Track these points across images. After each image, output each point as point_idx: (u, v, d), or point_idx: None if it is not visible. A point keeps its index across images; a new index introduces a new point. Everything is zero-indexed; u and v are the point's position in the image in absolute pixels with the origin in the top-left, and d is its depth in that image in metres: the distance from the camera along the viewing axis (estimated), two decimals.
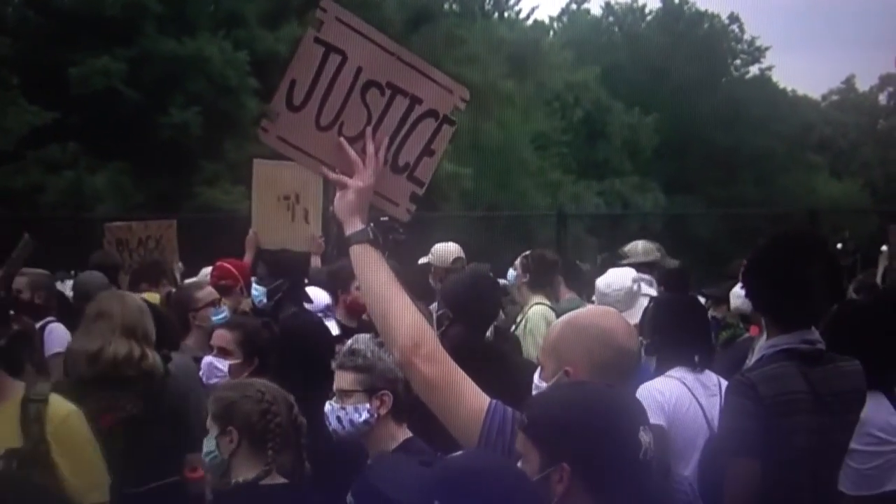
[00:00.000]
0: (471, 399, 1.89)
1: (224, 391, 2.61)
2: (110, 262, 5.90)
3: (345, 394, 2.71)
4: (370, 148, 1.98)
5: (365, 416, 2.67)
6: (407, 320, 1.90)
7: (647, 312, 3.36)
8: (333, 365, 2.79)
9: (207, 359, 3.45)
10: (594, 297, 4.12)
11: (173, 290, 5.06)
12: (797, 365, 2.49)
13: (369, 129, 1.99)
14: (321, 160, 2.01)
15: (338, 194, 2.00)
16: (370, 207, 2.03)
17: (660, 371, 3.23)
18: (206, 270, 5.80)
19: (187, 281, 5.79)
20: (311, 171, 2.06)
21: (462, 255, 5.00)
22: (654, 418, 2.98)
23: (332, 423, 2.70)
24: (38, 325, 4.88)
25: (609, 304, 3.65)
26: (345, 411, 2.68)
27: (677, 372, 3.15)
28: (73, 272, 9.19)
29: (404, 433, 2.72)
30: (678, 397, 3.06)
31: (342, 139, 1.99)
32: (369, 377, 2.70)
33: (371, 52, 1.98)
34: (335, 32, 1.96)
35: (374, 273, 1.95)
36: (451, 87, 2.03)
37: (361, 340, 2.81)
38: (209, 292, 4.26)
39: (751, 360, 2.66)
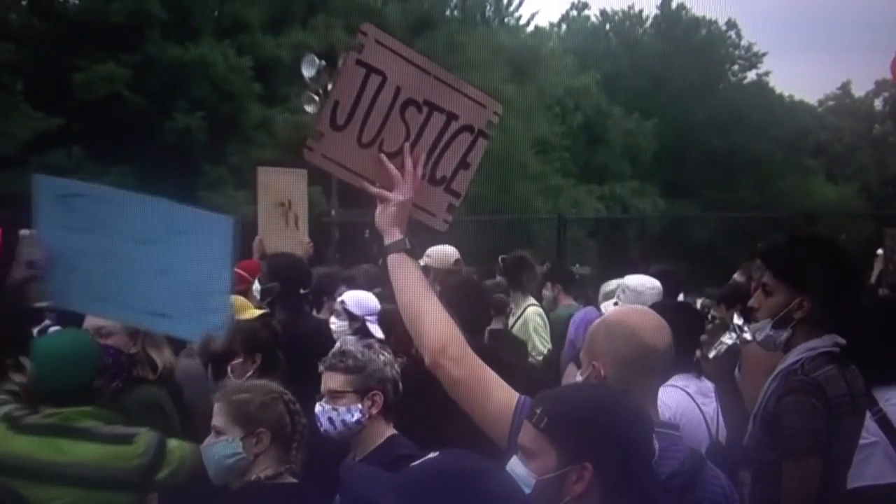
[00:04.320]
0: (499, 396, 1.97)
1: (240, 394, 2.57)
2: None
3: (336, 395, 2.73)
4: (409, 163, 2.09)
5: (357, 416, 2.70)
6: (436, 324, 1.99)
7: None
8: (321, 367, 2.80)
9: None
10: (617, 299, 4.08)
11: None
12: (837, 367, 2.53)
13: (407, 145, 2.10)
14: (363, 175, 2.13)
15: (379, 207, 2.10)
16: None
17: None
18: None
19: None
20: (355, 185, 2.15)
21: (459, 256, 5.18)
22: None
23: (324, 425, 2.73)
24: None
25: (643, 303, 3.63)
26: (337, 412, 2.70)
27: (679, 380, 3.17)
28: None
29: (390, 430, 2.76)
30: (684, 408, 3.10)
31: (382, 155, 2.09)
32: (360, 378, 2.71)
33: (409, 72, 2.10)
34: (375, 54, 2.08)
35: (407, 280, 2.05)
36: (484, 102, 2.13)
37: (350, 342, 2.84)
38: None
39: (781, 363, 2.70)
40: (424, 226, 2.20)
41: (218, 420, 2.53)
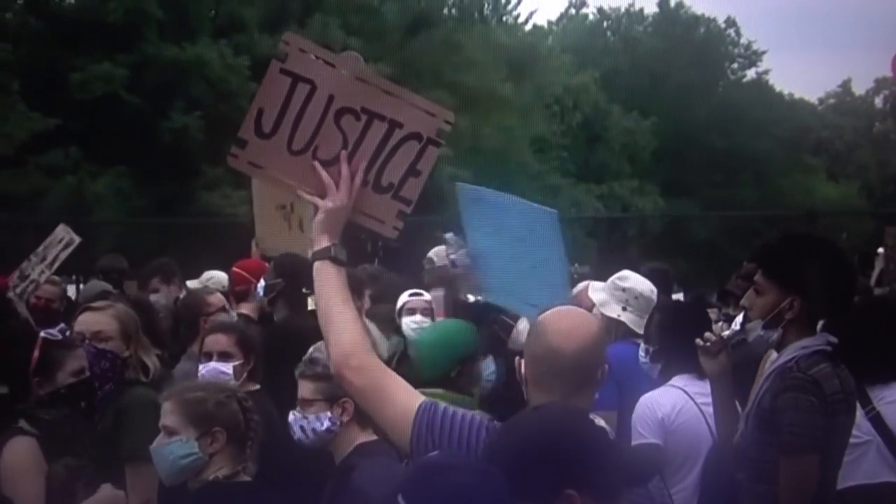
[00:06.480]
0: (400, 402, 1.96)
1: (194, 392, 2.57)
2: (116, 267, 5.96)
3: (306, 403, 2.71)
4: (345, 171, 2.05)
5: (327, 424, 2.67)
6: (341, 334, 1.99)
7: (653, 319, 3.33)
8: (296, 373, 2.77)
9: (211, 365, 3.50)
10: (625, 302, 3.84)
11: (182, 292, 5.12)
12: (831, 365, 2.55)
13: (345, 153, 2.05)
14: (294, 183, 2.08)
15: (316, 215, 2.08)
16: (356, 225, 2.11)
17: (663, 378, 3.23)
18: (209, 274, 5.86)
19: (189, 283, 5.85)
20: (286, 191, 2.15)
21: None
22: (652, 436, 3.04)
23: (297, 433, 2.71)
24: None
25: (648, 308, 3.61)
26: (307, 420, 2.68)
27: (680, 380, 3.14)
28: (74, 276, 9.26)
29: (367, 436, 2.71)
30: (680, 408, 3.07)
31: (316, 162, 2.06)
32: (329, 385, 2.65)
33: (341, 79, 2.04)
34: (301, 63, 2.03)
35: (325, 289, 2.03)
36: (432, 111, 2.07)
37: (321, 348, 2.75)
38: (220, 298, 4.36)
39: (775, 362, 2.66)
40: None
41: (170, 419, 2.50)
